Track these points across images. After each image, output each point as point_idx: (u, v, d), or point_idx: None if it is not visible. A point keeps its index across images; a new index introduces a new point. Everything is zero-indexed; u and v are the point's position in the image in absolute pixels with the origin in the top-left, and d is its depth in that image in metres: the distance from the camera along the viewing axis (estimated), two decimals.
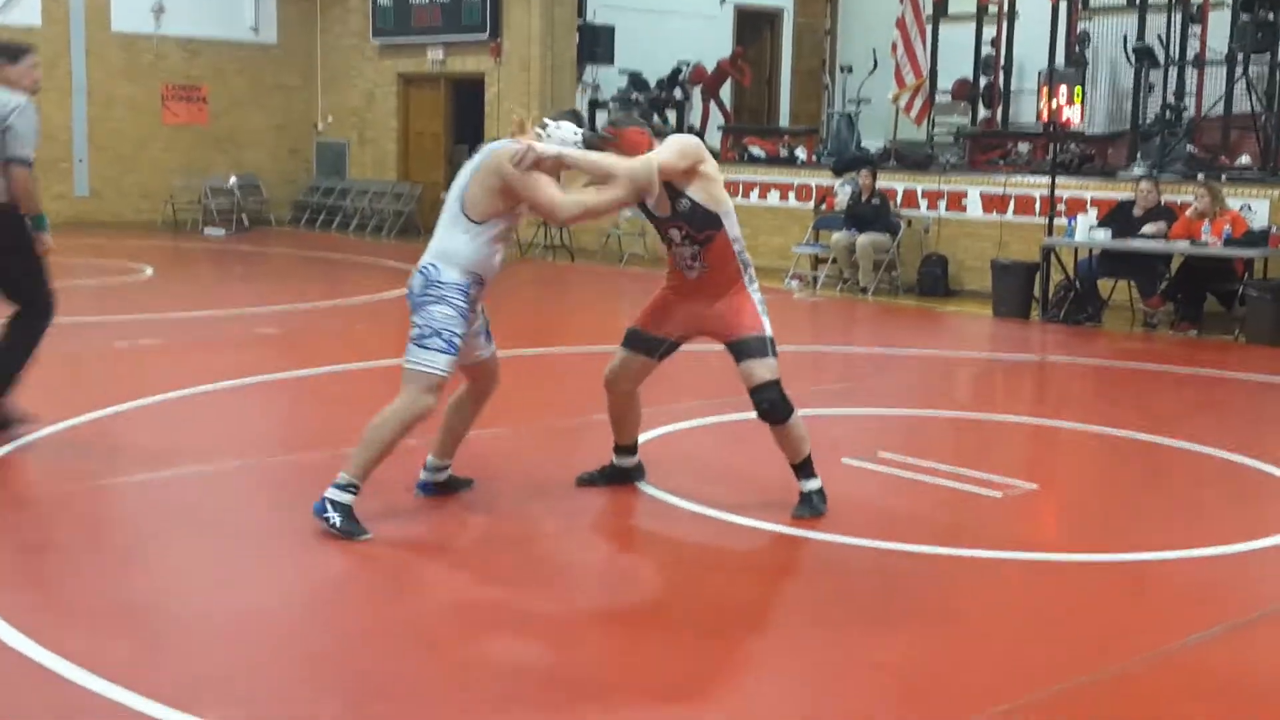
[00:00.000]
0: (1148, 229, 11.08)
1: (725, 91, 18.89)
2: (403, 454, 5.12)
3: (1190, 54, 14.36)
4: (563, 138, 4.87)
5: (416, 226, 18.87)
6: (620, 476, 5.57)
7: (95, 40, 18.57)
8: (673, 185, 4.96)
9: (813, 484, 5.21)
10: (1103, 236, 11.28)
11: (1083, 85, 13.76)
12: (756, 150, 16.24)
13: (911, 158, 14.97)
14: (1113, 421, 7.40)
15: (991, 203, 13.30)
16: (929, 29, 16.22)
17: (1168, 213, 11.23)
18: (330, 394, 7.70)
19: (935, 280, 13.17)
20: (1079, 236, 11.53)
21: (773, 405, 5.03)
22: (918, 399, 8.11)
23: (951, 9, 17.17)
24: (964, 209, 13.49)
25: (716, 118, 18.61)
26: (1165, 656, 4.02)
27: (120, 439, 6.58)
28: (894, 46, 16.11)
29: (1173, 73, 14.42)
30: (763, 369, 5.01)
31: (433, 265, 4.83)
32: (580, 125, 4.97)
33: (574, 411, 7.20)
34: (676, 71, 18.04)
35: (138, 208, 18.60)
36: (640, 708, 3.61)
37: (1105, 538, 5.19)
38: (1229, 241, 10.67)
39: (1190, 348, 10.33)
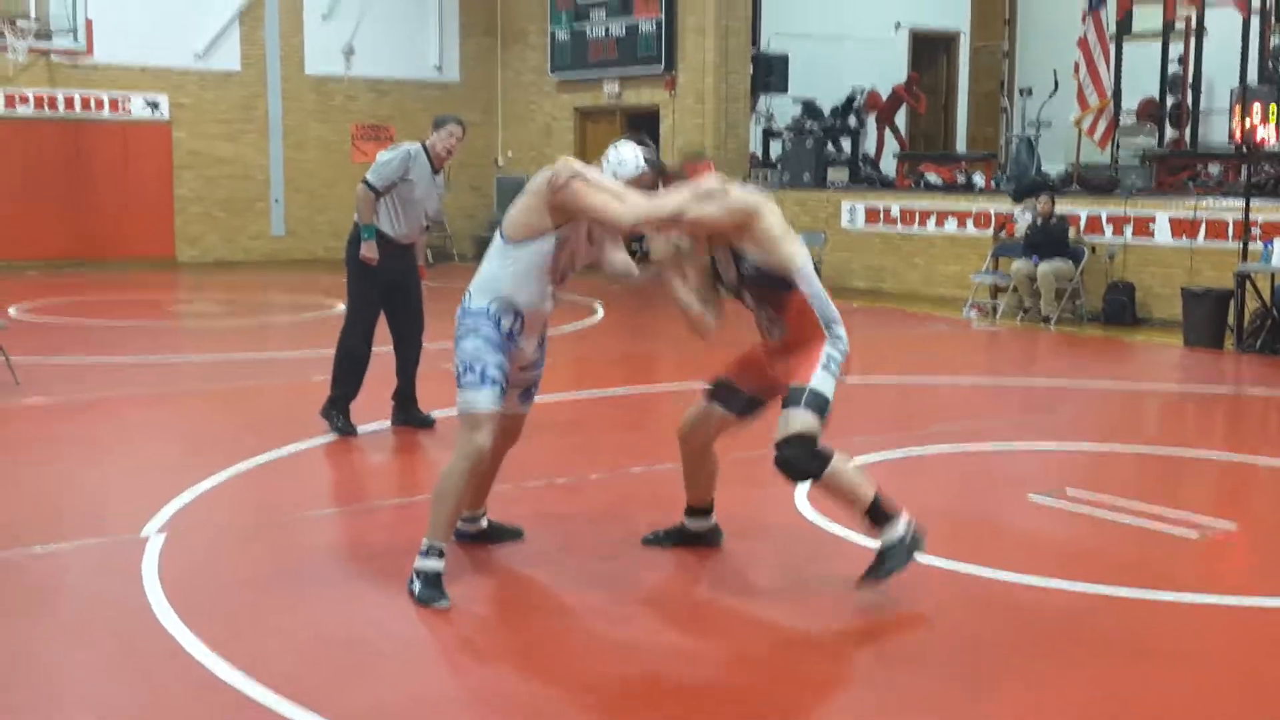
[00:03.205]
0: None
1: (900, 117, 18.73)
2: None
3: None
4: (621, 158, 4.71)
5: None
6: (690, 539, 5.24)
7: (290, 83, 19.43)
8: (733, 247, 4.66)
9: (891, 533, 4.64)
10: None
11: (1279, 103, 13.24)
12: (933, 177, 16.05)
13: (1095, 181, 14.59)
14: None
15: (1181, 227, 12.87)
16: (1112, 47, 15.82)
17: None
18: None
19: (1122, 308, 12.80)
20: (1276, 261, 11.08)
21: (784, 464, 4.57)
22: (1106, 433, 7.89)
23: (1136, 27, 16.71)
24: (1151, 234, 13.08)
25: (892, 144, 18.46)
26: None
27: (314, 474, 6.86)
28: (1076, 67, 15.74)
29: None
30: (791, 421, 4.55)
31: (466, 294, 4.70)
32: (643, 147, 4.79)
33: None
34: (851, 98, 17.97)
35: (328, 245, 19.34)
36: None
37: None
38: None
39: None
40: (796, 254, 4.67)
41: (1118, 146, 16.11)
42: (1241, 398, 9.41)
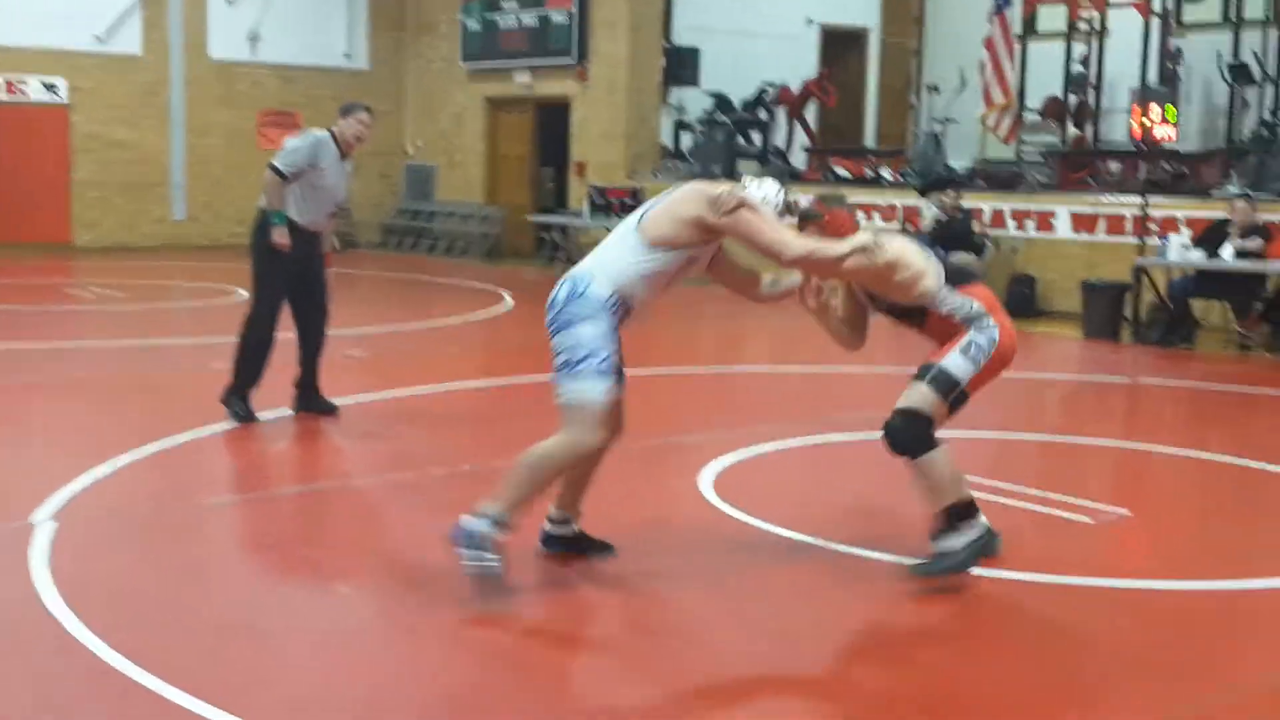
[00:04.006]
0: (1242, 243, 10.84)
1: (810, 112, 18.87)
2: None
3: None
4: (764, 194, 4.61)
5: (502, 248, 19.09)
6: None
7: (193, 68, 19.06)
8: (868, 289, 4.79)
9: (954, 540, 4.68)
10: (1196, 256, 11.08)
11: (1175, 103, 13.58)
12: (842, 171, 16.19)
13: (999, 177, 14.84)
14: (1207, 446, 7.26)
15: (1081, 222, 13.13)
16: (1018, 47, 16.08)
17: (1263, 231, 11.00)
18: (419, 415, 7.81)
19: (1023, 300, 13.02)
20: (1172, 256, 11.34)
21: (888, 431, 4.67)
22: (1005, 422, 8.02)
23: (1040, 27, 17.02)
24: (1053, 229, 13.33)
25: (802, 139, 18.59)
26: (1261, 688, 3.94)
27: (215, 461, 6.74)
28: (982, 65, 15.98)
29: (1269, 89, 14.16)
30: (914, 395, 4.65)
31: (586, 275, 4.46)
32: (782, 189, 4.72)
33: (666, 431, 7.22)
34: (762, 93, 18.06)
35: (232, 232, 18.99)
36: None
37: (1199, 565, 5.10)
38: None
39: None
40: (930, 286, 4.66)
41: (1022, 143, 16.39)
42: (1137, 388, 9.62)
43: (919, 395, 4.63)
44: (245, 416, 7.13)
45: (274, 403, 7.37)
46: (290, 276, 7.18)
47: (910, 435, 4.61)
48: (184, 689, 3.65)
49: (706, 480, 6.04)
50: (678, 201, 4.51)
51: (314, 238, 7.27)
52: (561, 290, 4.47)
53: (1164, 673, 4.06)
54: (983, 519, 4.79)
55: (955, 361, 4.64)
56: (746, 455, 6.42)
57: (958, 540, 4.67)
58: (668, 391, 8.92)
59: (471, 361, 10.37)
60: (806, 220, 4.74)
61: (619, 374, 4.58)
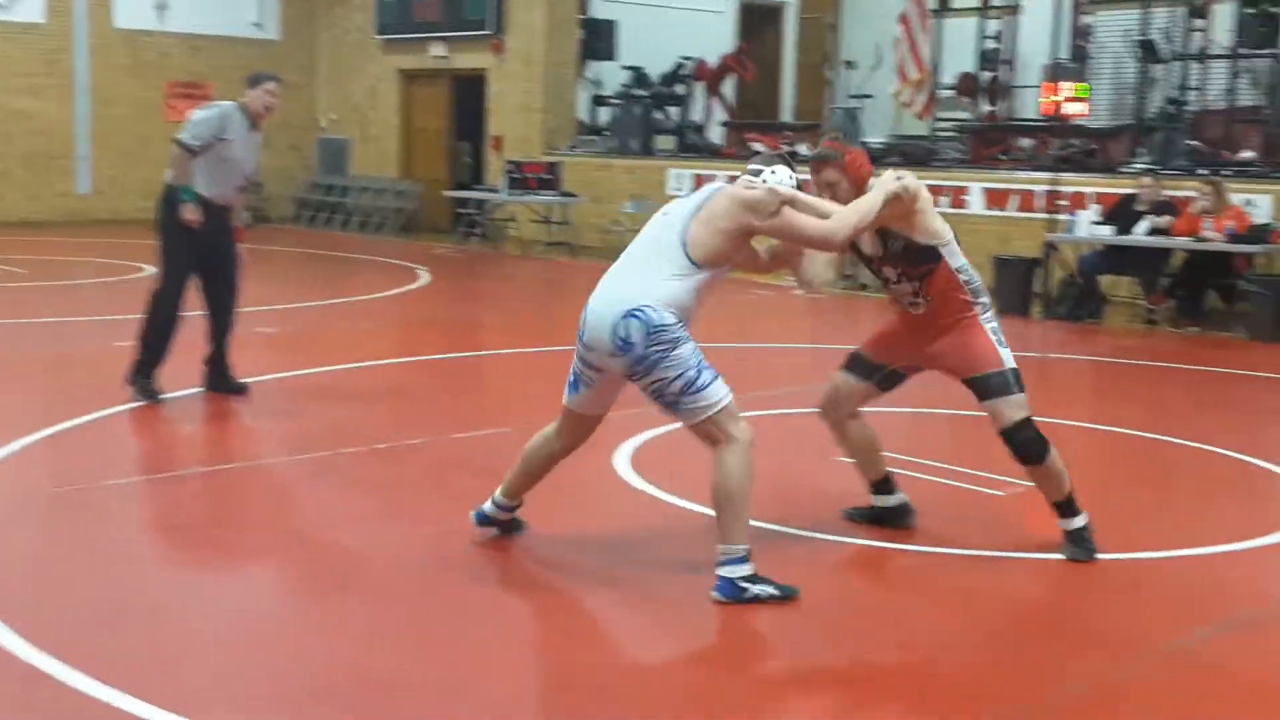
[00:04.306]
0: (1149, 220, 11.04)
1: (728, 87, 18.89)
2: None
3: (1194, 48, 14.35)
4: (780, 180, 4.48)
5: (418, 224, 18.89)
6: (887, 519, 5.14)
7: (98, 37, 18.57)
8: (884, 227, 4.66)
9: (1078, 521, 4.83)
10: (1105, 232, 11.27)
11: (1085, 80, 13.78)
12: (758, 146, 16.21)
13: (914, 153, 14.96)
14: (1114, 419, 7.39)
15: (994, 198, 13.29)
16: (932, 23, 16.22)
17: (1170, 208, 11.21)
18: (332, 393, 7.70)
19: None
20: (1081, 232, 11.53)
21: (1028, 446, 4.68)
22: (917, 397, 8.05)
23: (955, 3, 17.17)
24: (966, 205, 13.48)
25: (719, 114, 18.61)
26: (1167, 655, 4.02)
27: (121, 441, 6.59)
28: (897, 41, 16.09)
29: (1176, 67, 14.42)
30: (1011, 408, 4.64)
31: (649, 309, 4.25)
32: (793, 170, 4.56)
33: None
34: (679, 67, 18.03)
35: (139, 206, 18.55)
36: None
37: (1107, 537, 5.18)
38: (1232, 237, 10.66)
39: (1192, 344, 10.33)
40: (943, 228, 4.70)
41: (936, 119, 16.55)
42: (1046, 362, 9.77)
43: (1017, 404, 4.66)
44: (149, 395, 6.98)
45: (184, 381, 7.22)
46: (199, 252, 7.03)
47: (1042, 441, 4.70)
48: (87, 672, 3.57)
49: (623, 457, 6.03)
50: (718, 216, 4.36)
51: (223, 212, 7.12)
52: (629, 330, 4.25)
53: (1072, 642, 4.12)
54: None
55: (1008, 356, 4.71)
56: (664, 432, 6.42)
57: (1080, 519, 4.82)
58: None
59: (386, 339, 10.25)
60: (824, 163, 4.65)
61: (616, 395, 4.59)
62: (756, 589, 4.26)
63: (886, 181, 4.55)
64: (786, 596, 4.29)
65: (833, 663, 3.97)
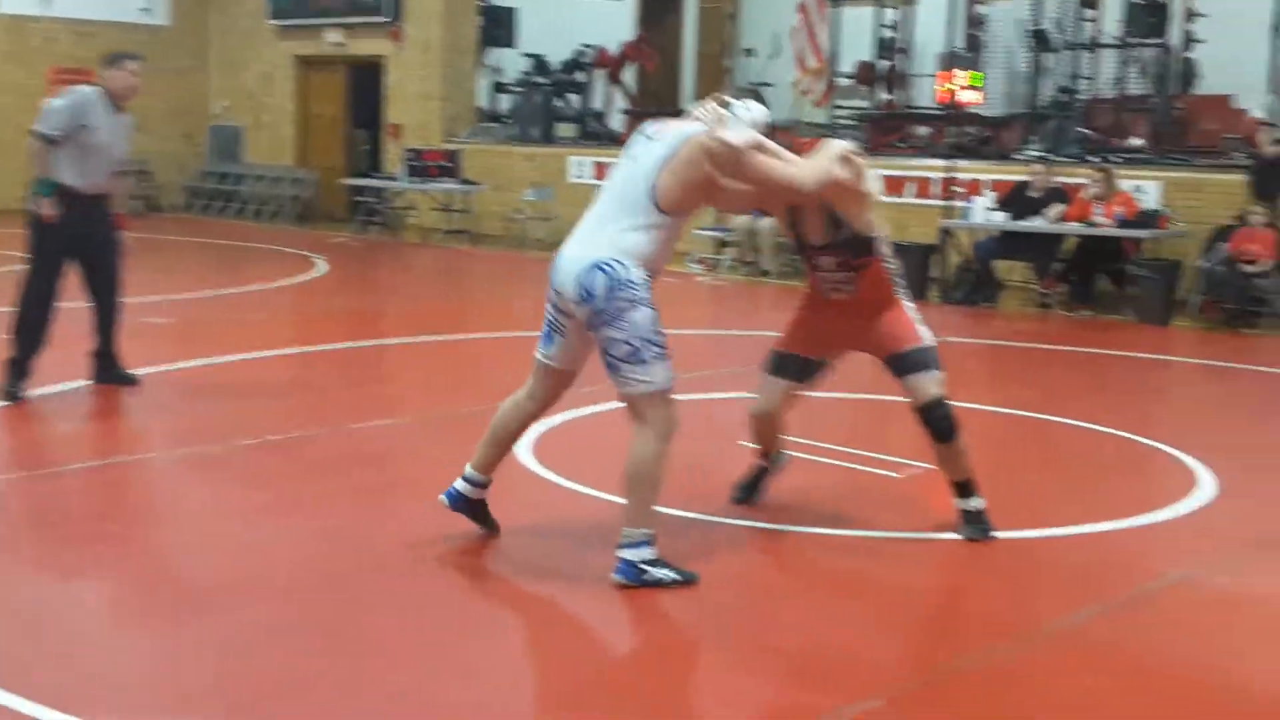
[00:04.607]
0: (1049, 213, 11.25)
1: (629, 75, 18.85)
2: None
3: (1084, 37, 14.64)
4: (753, 119, 4.38)
5: (315, 213, 18.60)
6: (767, 474, 5.26)
7: None
8: (834, 211, 4.61)
9: (976, 502, 4.89)
10: (999, 218, 11.45)
11: (980, 69, 13.98)
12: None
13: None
14: (1008, 401, 7.52)
15: (891, 185, 13.41)
16: (830, 11, 16.33)
17: (1061, 194, 11.42)
18: (224, 385, 7.54)
19: None
20: (976, 218, 11.71)
21: (943, 423, 4.74)
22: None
23: None
24: None
25: (620, 101, 18.57)
26: (1054, 633, 4.08)
27: (9, 434, 6.38)
28: (794, 30, 16.19)
29: (1067, 56, 14.70)
30: (930, 384, 4.72)
31: (616, 263, 4.21)
32: (766, 107, 4.49)
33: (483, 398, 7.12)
34: (580, 55, 17.96)
35: (21, 196, 18.03)
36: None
37: (1000, 516, 5.24)
38: (1121, 223, 10.90)
39: (1083, 327, 10.54)
40: (877, 220, 4.74)
41: (835, 107, 16.68)
42: (943, 346, 9.88)
43: (937, 381, 4.73)
44: (15, 394, 6.69)
45: (70, 374, 7.02)
46: (71, 244, 6.76)
47: (952, 423, 4.75)
48: None
49: (525, 446, 5.98)
50: (682, 164, 4.27)
51: (96, 201, 6.86)
52: (593, 282, 4.21)
53: (960, 621, 4.17)
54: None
55: (928, 334, 4.79)
56: (566, 419, 6.38)
57: (979, 501, 4.88)
58: (489, 357, 8.83)
59: (283, 329, 10.07)
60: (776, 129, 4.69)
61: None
62: (657, 573, 4.26)
63: (834, 145, 4.56)
64: (686, 581, 4.30)
65: (726, 644, 3.97)
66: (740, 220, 13.39)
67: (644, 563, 4.27)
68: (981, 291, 11.60)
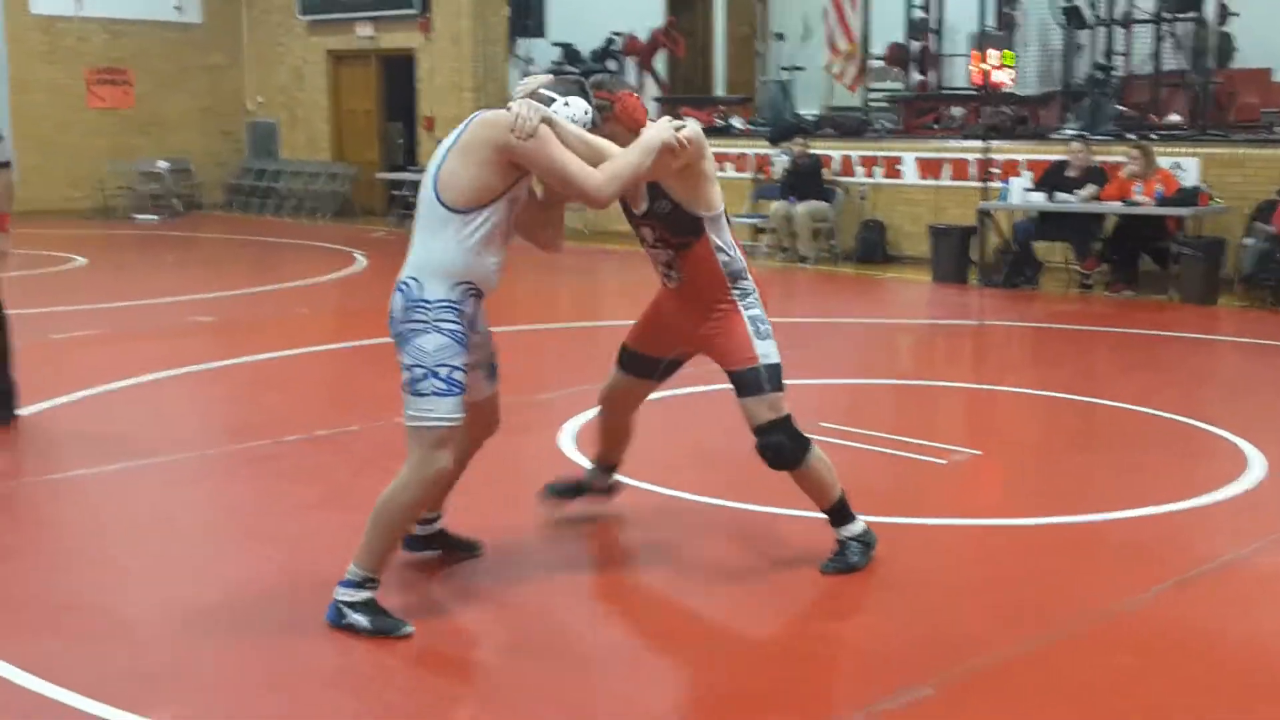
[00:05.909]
0: (1081, 193, 11.17)
1: (659, 61, 18.82)
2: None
3: (1118, 13, 14.49)
4: (573, 114, 3.96)
5: (353, 207, 18.68)
6: (583, 491, 4.94)
7: (14, 23, 18.15)
8: (654, 182, 4.19)
9: (850, 529, 4.42)
10: (1037, 199, 11.38)
11: (1013, 47, 13.88)
12: (692, 120, 16.20)
13: (846, 124, 15.00)
14: (1052, 384, 7.48)
15: (927, 168, 13.36)
16: None
17: (1100, 173, 11.33)
18: (271, 381, 7.61)
19: (873, 247, 13.24)
20: (1013, 199, 11.63)
21: (775, 450, 4.26)
22: (859, 367, 8.15)
23: None
24: (900, 175, 13.55)
25: (652, 88, 18.54)
26: (1108, 617, 4.07)
27: (59, 434, 6.45)
28: (825, 13, 16.11)
29: (1101, 32, 14.56)
30: (760, 407, 4.21)
31: (412, 280, 3.84)
32: (589, 101, 4.03)
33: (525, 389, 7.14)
34: (609, 42, 17.95)
35: (65, 195, 18.21)
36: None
37: (1048, 501, 5.25)
38: (1161, 201, 10.80)
39: (1126, 308, 10.47)
40: (717, 200, 4.27)
41: (867, 90, 16.60)
42: (984, 329, 9.86)
43: (768, 404, 4.22)
44: None
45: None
46: None
47: (792, 445, 4.27)
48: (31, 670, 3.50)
49: (567, 437, 6.01)
50: (466, 144, 3.86)
51: None
52: (394, 302, 3.88)
53: (1015, 607, 4.16)
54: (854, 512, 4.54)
55: (766, 350, 4.26)
56: None
57: (855, 527, 4.43)
58: (527, 349, 8.85)
59: (325, 325, 10.14)
60: (600, 112, 4.08)
61: (490, 370, 4.21)
62: (356, 616, 3.84)
63: (662, 128, 4.06)
64: (386, 634, 3.82)
65: (777, 633, 3.97)
66: (776, 206, 13.36)
67: (349, 604, 3.87)
68: (1021, 273, 11.52)
